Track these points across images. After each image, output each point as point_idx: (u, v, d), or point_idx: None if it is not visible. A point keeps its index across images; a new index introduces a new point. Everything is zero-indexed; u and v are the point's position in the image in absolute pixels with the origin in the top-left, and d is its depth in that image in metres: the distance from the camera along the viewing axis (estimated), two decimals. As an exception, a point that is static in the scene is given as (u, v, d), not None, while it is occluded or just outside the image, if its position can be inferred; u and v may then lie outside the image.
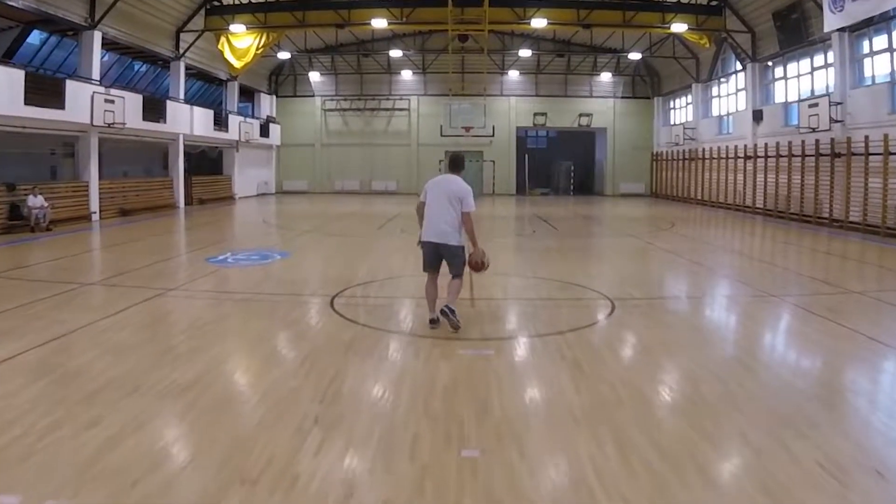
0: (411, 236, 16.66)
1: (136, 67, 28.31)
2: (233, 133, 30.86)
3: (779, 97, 25.23)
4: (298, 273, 11.08)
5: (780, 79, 24.98)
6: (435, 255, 7.10)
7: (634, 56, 32.11)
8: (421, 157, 38.45)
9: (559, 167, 40.99)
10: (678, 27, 25.71)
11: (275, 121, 37.40)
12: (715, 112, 31.11)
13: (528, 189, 39.18)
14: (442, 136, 35.46)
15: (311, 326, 7.41)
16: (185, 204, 27.13)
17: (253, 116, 35.43)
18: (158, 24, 24.98)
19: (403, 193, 38.23)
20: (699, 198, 30.84)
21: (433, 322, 7.11)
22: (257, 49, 26.91)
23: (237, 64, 26.80)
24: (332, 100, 39.10)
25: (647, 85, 38.24)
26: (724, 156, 28.31)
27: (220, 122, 29.38)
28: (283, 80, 39.02)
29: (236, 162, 32.78)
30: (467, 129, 35.16)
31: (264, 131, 35.02)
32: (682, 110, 35.25)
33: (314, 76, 38.37)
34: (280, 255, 12.64)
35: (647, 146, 38.40)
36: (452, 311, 6.90)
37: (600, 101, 38.65)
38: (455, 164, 7.35)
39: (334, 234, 17.43)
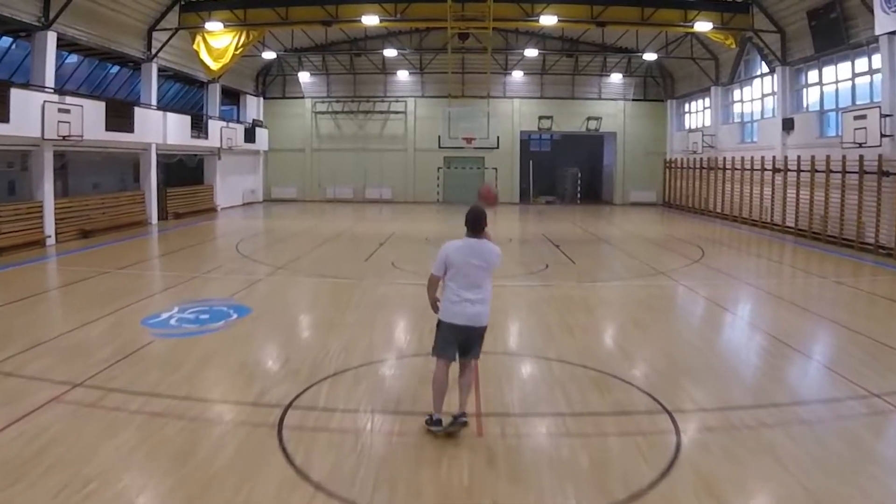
0: (402, 276, 14.35)
1: (108, 69, 25.84)
2: (213, 140, 28.42)
3: (812, 104, 22.79)
4: (250, 350, 8.55)
5: (815, 84, 22.53)
6: (462, 341, 5.79)
7: (649, 57, 29.68)
8: (418, 162, 36.04)
9: (565, 173, 38.57)
10: (702, 26, 23.27)
11: (262, 124, 34.96)
12: (737, 118, 28.68)
13: (533, 196, 36.78)
14: (440, 146, 33.10)
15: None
16: (159, 219, 24.72)
17: (238, 120, 33.00)
18: (127, 21, 22.52)
19: (399, 202, 35.90)
20: (718, 211, 28.47)
21: (437, 424, 5.68)
22: (236, 49, 24.46)
23: (214, 66, 24.35)
24: (323, 102, 36.64)
25: (660, 87, 35.77)
26: (747, 167, 25.89)
27: (199, 129, 26.92)
28: (270, 81, 36.53)
29: (218, 170, 30.33)
30: (469, 139, 32.56)
31: (250, 136, 32.58)
32: (698, 115, 32.83)
33: (304, 77, 35.91)
34: (237, 314, 10.17)
35: (660, 152, 35.99)
36: (465, 422, 5.78)
37: (610, 104, 36.23)
38: (476, 224, 5.84)
39: (312, 271, 14.96)
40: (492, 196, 6.92)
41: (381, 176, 36.49)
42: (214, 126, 28.35)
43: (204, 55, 24.31)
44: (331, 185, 36.78)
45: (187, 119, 26.13)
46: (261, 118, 35.52)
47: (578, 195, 37.22)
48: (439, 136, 33.11)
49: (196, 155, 28.69)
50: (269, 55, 29.29)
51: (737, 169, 26.86)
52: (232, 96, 34.51)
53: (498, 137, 34.60)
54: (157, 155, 24.36)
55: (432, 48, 33.20)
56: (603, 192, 39.47)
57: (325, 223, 25.54)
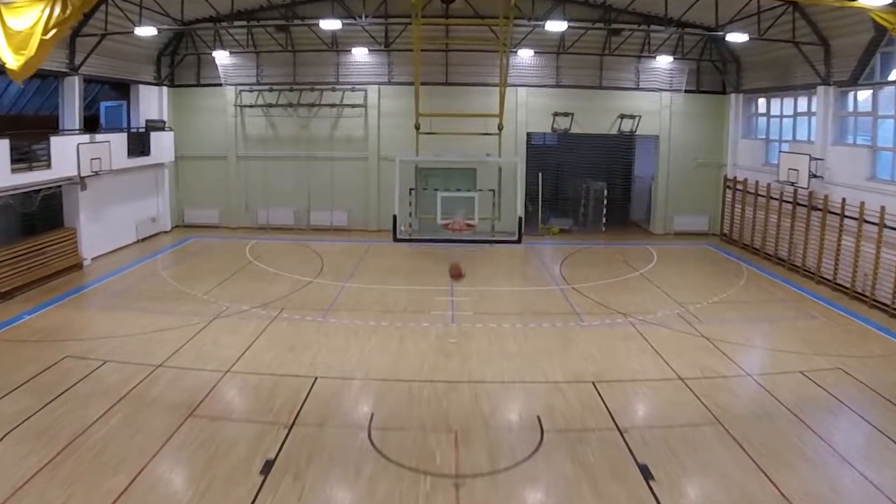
0: None
1: None
2: (66, 167, 18.37)
3: None
4: None
5: None
6: None
7: (738, 37, 19.50)
8: (383, 176, 26.01)
9: (584, 187, 28.64)
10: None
11: (163, 126, 24.69)
12: (861, 138, 19.00)
13: (542, 223, 26.92)
14: (418, 158, 22.58)
15: None
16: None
17: (126, 124, 22.69)
18: None
19: (357, 230, 26.10)
20: (816, 272, 19.10)
21: None
22: (50, 27, 14.12)
23: (14, 62, 14.05)
24: (250, 91, 26.31)
25: (722, 74, 25.79)
26: (890, 221, 16.45)
27: (28, 158, 16.77)
28: (178, 63, 26.00)
29: (83, 205, 20.31)
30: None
31: (137, 147, 22.46)
32: (782, 122, 23.04)
33: (221, 56, 25.55)
34: None
35: (716, 164, 26.34)
36: None
37: (650, 98, 26.31)
38: None
39: None
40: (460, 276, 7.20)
41: (332, 195, 26.53)
42: (63, 146, 18.19)
43: (2, 46, 14.02)
44: (263, 206, 26.80)
45: (3, 145, 15.98)
46: (164, 117, 25.20)
47: (604, 219, 27.40)
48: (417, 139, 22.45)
49: (39, 191, 18.54)
50: (147, 31, 18.88)
51: (870, 222, 17.33)
52: (120, 89, 24.14)
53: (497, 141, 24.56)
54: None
55: (402, 16, 22.78)
56: (633, 213, 29.82)
57: (235, 287, 15.90)
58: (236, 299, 16.99)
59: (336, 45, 25.41)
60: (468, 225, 20.76)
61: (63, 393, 11.29)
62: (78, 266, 20.12)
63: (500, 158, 22.09)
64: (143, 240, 24.30)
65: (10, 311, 15.92)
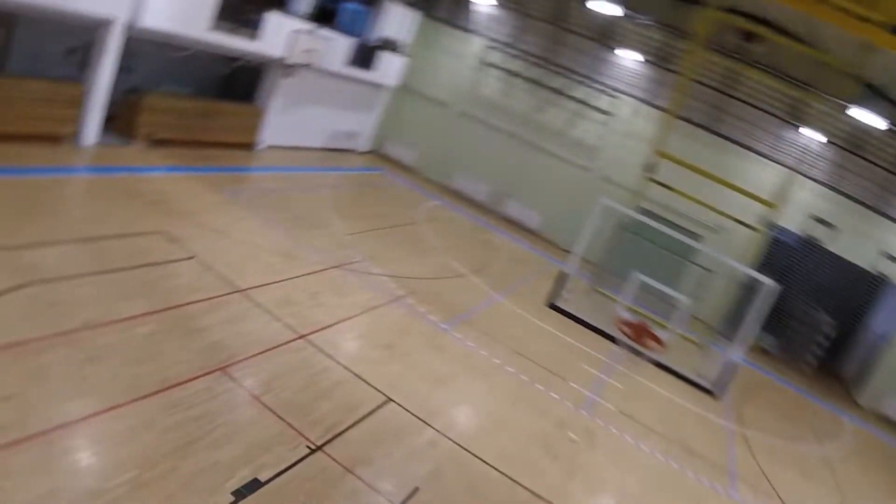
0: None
1: None
2: (274, 47, 17.08)
3: None
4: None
5: None
6: None
7: None
8: (595, 196, 22.41)
9: (807, 311, 23.37)
10: None
11: (398, 48, 23.03)
12: None
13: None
14: (630, 212, 18.95)
15: None
16: (110, 136, 14.22)
17: (361, 32, 21.21)
18: None
19: (545, 239, 23.08)
20: None
21: None
22: None
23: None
24: (500, 51, 23.91)
25: None
26: None
27: (235, 21, 15.51)
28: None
29: (280, 91, 19.13)
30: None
31: (364, 59, 20.88)
32: None
33: (482, 3, 23.33)
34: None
35: None
36: None
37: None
38: None
39: None
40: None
41: (536, 190, 23.66)
42: (278, 25, 16.86)
43: None
44: (463, 170, 24.55)
45: None
46: (403, 40, 23.56)
47: (816, 358, 22.14)
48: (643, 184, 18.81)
49: (238, 60, 17.46)
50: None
51: None
52: None
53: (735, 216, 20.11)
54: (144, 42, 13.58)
55: (689, 34, 19.03)
56: (844, 363, 24.08)
57: (410, 262, 13.80)
58: (373, 257, 14.82)
59: (606, 38, 22.17)
60: (654, 339, 15.58)
61: (112, 272, 9.58)
62: (250, 146, 19.09)
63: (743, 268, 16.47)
64: (330, 150, 23.08)
65: (151, 159, 14.93)
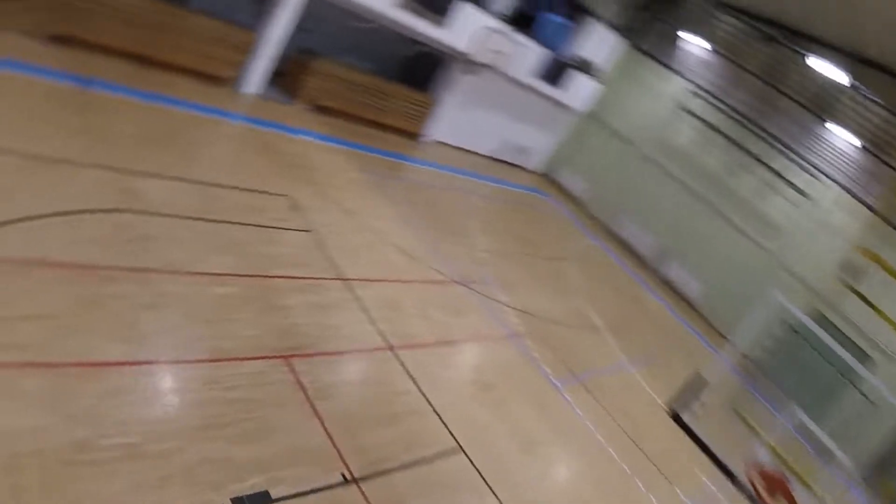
0: None
1: None
2: (459, 40, 16.20)
3: None
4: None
5: None
6: None
7: None
8: (770, 283, 19.48)
9: None
10: None
11: (593, 72, 21.49)
12: None
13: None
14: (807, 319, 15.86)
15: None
16: (270, 89, 14.03)
17: (556, 46, 19.89)
18: None
19: (700, 315, 20.36)
20: None
21: None
22: None
23: None
24: (702, 98, 21.62)
25: None
26: None
27: (433, 7, 14.75)
28: (648, 22, 22.36)
29: (457, 87, 18.28)
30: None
31: (553, 76, 19.57)
32: None
33: (689, 40, 21.23)
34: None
35: None
36: None
37: None
38: None
39: None
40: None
41: (703, 258, 21.04)
42: (468, 17, 15.92)
43: None
44: (630, 215, 22.49)
45: None
46: (599, 64, 21.96)
47: None
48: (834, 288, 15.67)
49: (420, 44, 16.74)
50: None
51: None
52: (577, 11, 21.33)
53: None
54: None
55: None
56: None
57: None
58: (504, 282, 13.38)
59: (821, 107, 19.20)
60: (786, 491, 11.66)
61: (215, 222, 8.89)
62: (415, 136, 18.36)
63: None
64: (498, 161, 21.98)
65: (307, 122, 14.50)
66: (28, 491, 4.66)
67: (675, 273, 21.27)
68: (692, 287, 21.12)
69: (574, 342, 12.89)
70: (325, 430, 6.80)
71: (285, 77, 14.70)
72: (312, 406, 7.02)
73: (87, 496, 4.85)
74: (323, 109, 15.49)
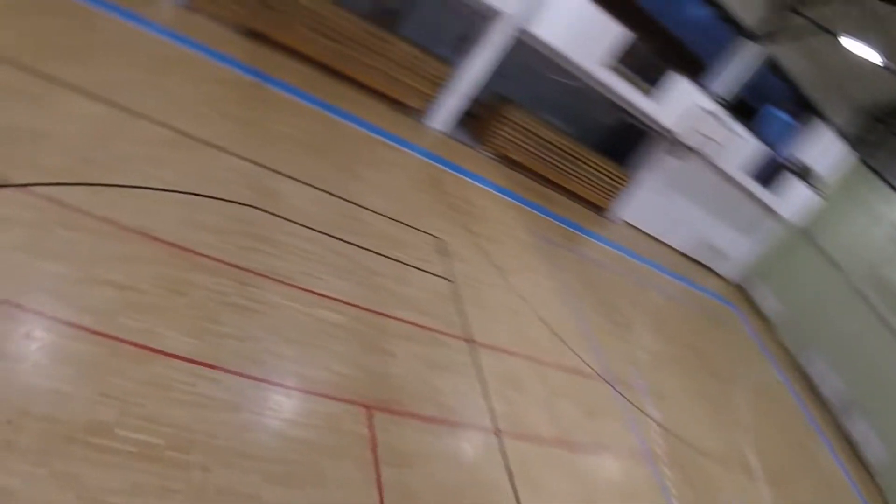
0: None
1: None
2: (667, 116, 14.73)
3: None
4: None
5: None
6: None
7: None
8: None
9: None
10: None
11: (812, 181, 18.83)
12: None
13: None
14: None
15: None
16: (458, 129, 13.56)
17: (775, 144, 17.67)
18: None
19: (876, 483, 16.54)
20: None
21: None
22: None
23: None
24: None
25: None
26: None
27: (634, 66, 13.49)
28: (879, 143, 19.24)
29: (657, 168, 16.71)
30: None
31: (770, 176, 17.43)
32: None
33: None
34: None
35: None
36: None
37: None
38: None
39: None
40: None
41: (893, 418, 17.18)
42: (681, 91, 14.39)
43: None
44: (822, 352, 19.15)
45: (614, 31, 12.92)
46: (821, 174, 19.21)
47: None
48: None
49: (626, 113, 15.43)
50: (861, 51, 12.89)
51: None
52: (803, 110, 18.83)
53: None
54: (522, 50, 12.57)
55: None
56: None
57: None
58: (659, 394, 11.39)
59: None
60: None
61: (346, 243, 8.12)
62: (601, 210, 16.98)
63: None
64: (687, 257, 19.86)
65: (487, 170, 13.69)
66: (14, 451, 3.94)
67: (860, 430, 17.48)
68: (876, 451, 17.16)
69: (719, 482, 10.52)
70: (381, 501, 5.53)
71: (475, 120, 14.13)
72: (377, 470, 5.80)
73: (71, 478, 4.07)
74: (507, 160, 14.69)
